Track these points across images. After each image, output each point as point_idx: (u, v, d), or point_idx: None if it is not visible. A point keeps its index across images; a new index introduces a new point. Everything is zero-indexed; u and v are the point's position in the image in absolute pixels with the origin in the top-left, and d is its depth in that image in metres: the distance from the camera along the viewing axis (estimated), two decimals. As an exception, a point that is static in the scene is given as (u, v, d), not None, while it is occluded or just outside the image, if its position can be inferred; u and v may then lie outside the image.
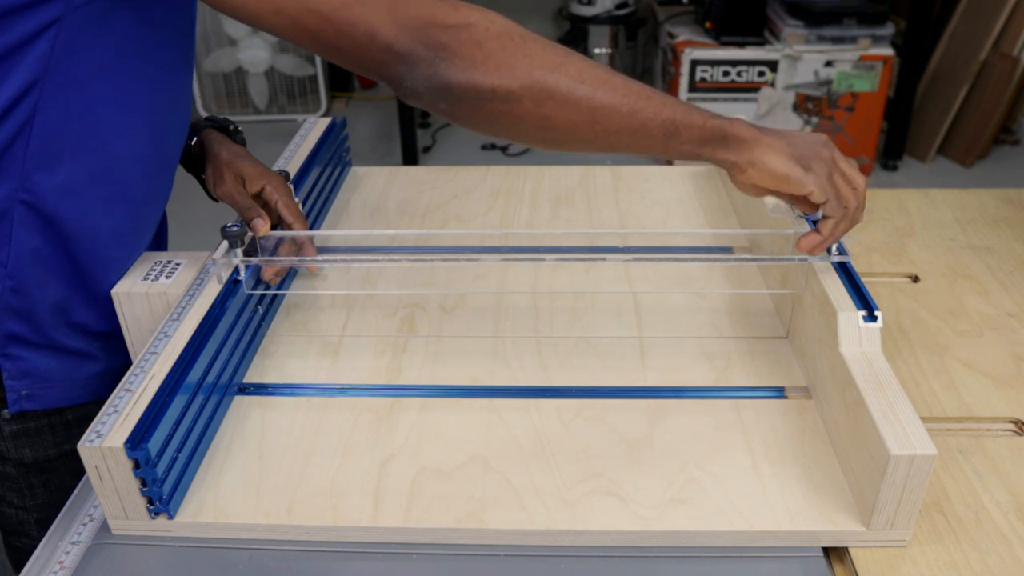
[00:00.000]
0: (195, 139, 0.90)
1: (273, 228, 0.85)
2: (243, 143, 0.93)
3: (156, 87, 0.74)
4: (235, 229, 0.79)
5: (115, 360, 0.83)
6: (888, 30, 2.73)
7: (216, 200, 0.88)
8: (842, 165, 0.72)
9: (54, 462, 0.83)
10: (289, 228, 0.86)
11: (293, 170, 1.00)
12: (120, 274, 0.80)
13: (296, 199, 0.89)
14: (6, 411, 0.79)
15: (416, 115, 3.12)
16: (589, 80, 0.64)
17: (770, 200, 0.91)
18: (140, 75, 0.72)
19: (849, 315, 0.70)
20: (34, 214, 0.72)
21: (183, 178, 0.91)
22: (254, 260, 0.81)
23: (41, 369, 0.79)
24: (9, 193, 0.71)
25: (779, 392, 0.78)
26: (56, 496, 0.85)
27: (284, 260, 0.89)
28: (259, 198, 0.86)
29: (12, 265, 0.73)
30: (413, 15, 0.62)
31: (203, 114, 0.99)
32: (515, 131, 0.66)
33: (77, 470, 0.83)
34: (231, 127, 0.93)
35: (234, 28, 3.29)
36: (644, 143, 0.67)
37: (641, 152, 0.69)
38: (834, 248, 0.80)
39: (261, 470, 0.70)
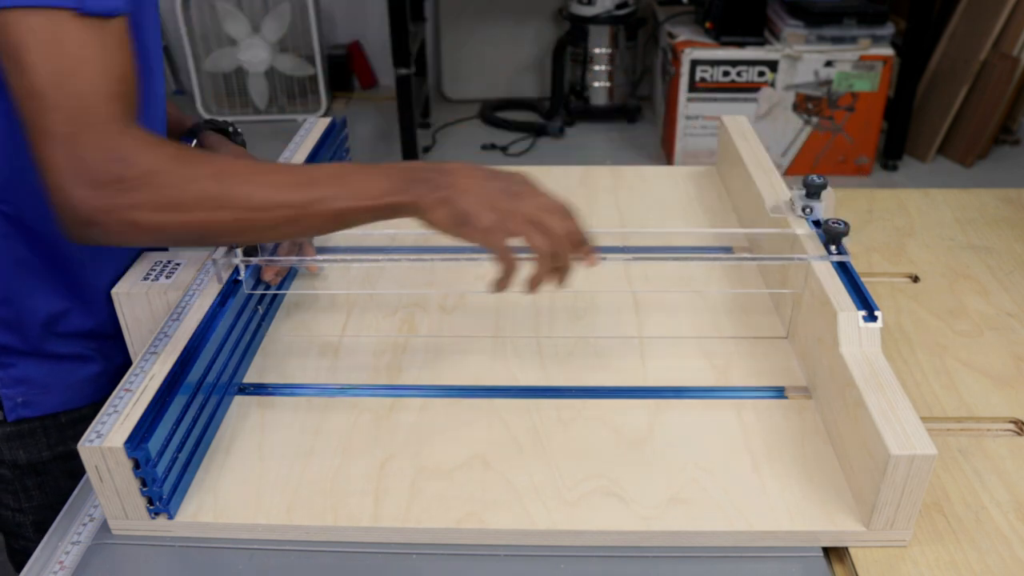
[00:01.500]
0: (194, 142, 0.92)
1: None
2: (243, 144, 0.94)
3: None
4: (235, 229, 0.79)
5: (111, 362, 0.83)
6: (888, 30, 2.73)
7: None
8: (525, 210, 0.70)
9: (48, 464, 0.83)
10: None
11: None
12: (112, 276, 0.80)
13: None
14: (3, 418, 0.79)
15: (416, 115, 3.12)
16: (248, 213, 0.65)
17: (770, 200, 0.91)
18: None
19: (849, 315, 0.70)
20: (14, 224, 0.73)
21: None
22: (254, 260, 0.81)
23: (36, 376, 0.79)
24: None
25: (779, 392, 0.78)
26: (51, 498, 0.85)
27: (284, 260, 0.89)
28: None
29: None
30: (81, 165, 0.60)
31: (204, 115, 0.98)
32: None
33: (72, 472, 0.83)
34: (230, 128, 0.94)
35: (234, 28, 3.29)
36: (315, 235, 0.71)
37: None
38: (834, 247, 0.80)
39: (261, 470, 0.70)
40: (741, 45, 2.75)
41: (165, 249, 0.87)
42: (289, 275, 0.93)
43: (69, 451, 0.82)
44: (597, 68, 3.22)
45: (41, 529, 0.72)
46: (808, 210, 0.86)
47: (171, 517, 0.65)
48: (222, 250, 0.80)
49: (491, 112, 3.38)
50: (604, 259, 0.91)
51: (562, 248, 0.70)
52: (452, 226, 0.68)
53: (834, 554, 0.65)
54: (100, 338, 0.82)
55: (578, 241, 0.71)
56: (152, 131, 0.65)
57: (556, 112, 3.26)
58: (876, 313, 0.70)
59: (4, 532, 0.89)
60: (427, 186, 0.68)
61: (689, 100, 2.82)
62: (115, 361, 0.84)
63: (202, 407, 0.71)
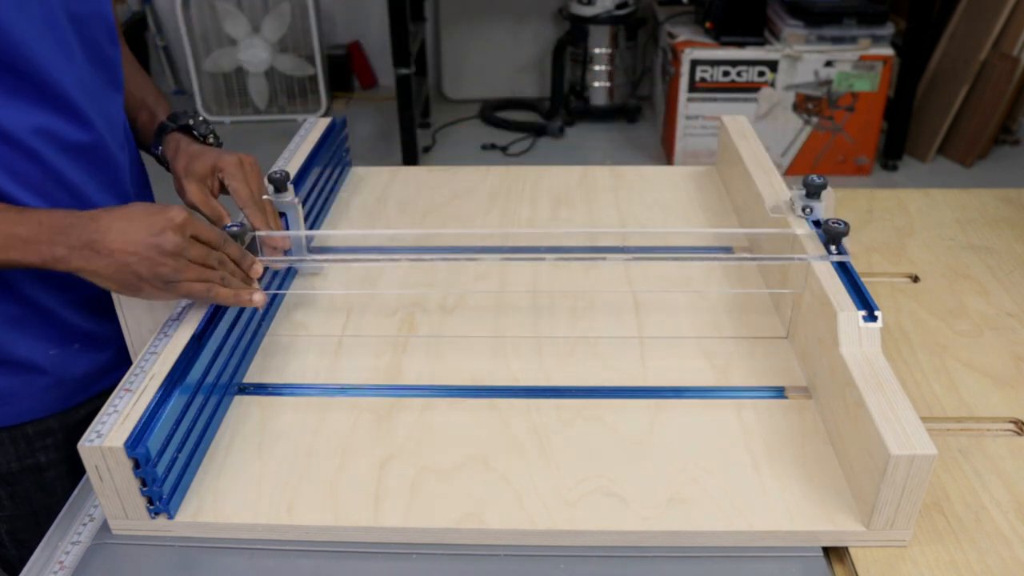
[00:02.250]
0: (160, 148, 0.89)
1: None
2: (207, 134, 0.91)
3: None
4: (235, 229, 0.79)
5: (68, 372, 0.82)
6: (888, 30, 2.73)
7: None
8: (191, 256, 0.70)
9: (17, 475, 0.82)
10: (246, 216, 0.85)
11: (293, 170, 1.00)
12: (73, 290, 0.79)
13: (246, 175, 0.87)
14: None
15: (416, 115, 3.12)
16: None
17: (770, 200, 0.91)
18: None
19: (849, 315, 0.70)
20: None
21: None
22: (255, 259, 0.81)
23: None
24: None
25: (779, 392, 0.78)
26: (23, 508, 0.84)
27: (284, 260, 0.89)
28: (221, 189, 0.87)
29: None
30: None
31: (202, 114, 0.97)
32: None
33: (43, 484, 0.81)
34: (190, 122, 0.90)
35: (234, 28, 3.29)
36: None
37: None
38: (834, 247, 0.80)
39: (261, 470, 0.70)
40: (741, 45, 2.75)
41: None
42: (289, 275, 0.93)
43: (38, 463, 0.82)
44: (597, 68, 3.22)
45: (16, 538, 0.72)
46: (808, 210, 0.86)
47: (171, 517, 0.65)
48: (222, 250, 0.79)
49: (491, 112, 3.38)
50: (604, 259, 0.91)
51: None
52: (122, 291, 0.69)
53: (834, 554, 0.65)
54: (54, 351, 0.80)
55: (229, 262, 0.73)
56: None
57: (556, 112, 3.26)
58: (876, 313, 0.70)
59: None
60: (80, 251, 0.67)
61: (689, 100, 2.82)
62: (72, 371, 0.82)
63: (202, 407, 0.71)
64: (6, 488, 0.83)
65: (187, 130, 0.90)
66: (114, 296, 0.78)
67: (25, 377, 0.79)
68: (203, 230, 0.71)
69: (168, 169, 0.89)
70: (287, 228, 0.89)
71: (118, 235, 0.67)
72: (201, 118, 0.91)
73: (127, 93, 0.88)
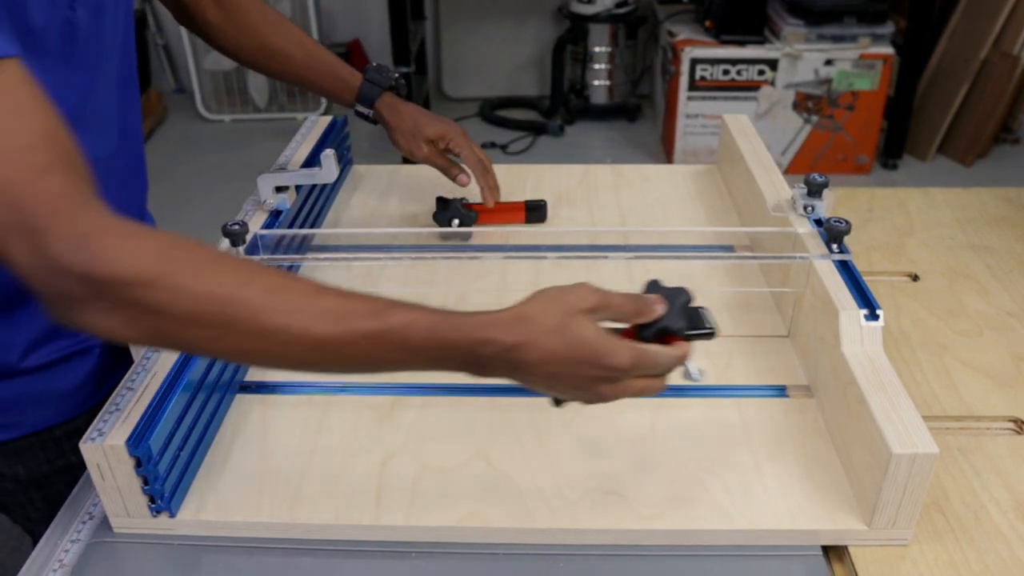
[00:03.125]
0: (372, 113, 0.99)
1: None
2: (401, 90, 1.01)
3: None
4: (236, 228, 0.79)
5: (86, 375, 0.81)
6: (888, 29, 2.73)
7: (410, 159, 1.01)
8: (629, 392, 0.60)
9: (50, 477, 0.82)
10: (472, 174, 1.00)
11: (294, 168, 0.99)
12: None
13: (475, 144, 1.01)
14: None
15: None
16: (260, 348, 0.54)
17: (771, 198, 0.91)
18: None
19: (851, 314, 0.70)
20: None
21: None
22: (255, 259, 0.81)
23: (9, 399, 0.77)
24: None
25: (780, 391, 0.78)
26: (58, 509, 0.84)
27: (284, 258, 0.89)
28: (444, 152, 1.00)
29: None
30: (44, 257, 0.51)
31: (395, 71, 1.02)
32: None
33: (76, 483, 0.82)
34: (393, 82, 0.99)
35: (234, 26, 3.28)
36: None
37: None
38: (835, 246, 0.80)
39: (262, 468, 0.70)
40: (741, 44, 2.75)
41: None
42: (290, 273, 0.93)
43: (70, 463, 0.81)
44: (597, 67, 3.22)
45: None
46: (809, 209, 0.86)
47: (172, 515, 0.65)
48: (223, 248, 0.80)
49: (491, 110, 3.38)
50: (606, 258, 0.91)
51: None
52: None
53: (834, 553, 0.65)
54: (69, 357, 0.79)
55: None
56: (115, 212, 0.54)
57: (556, 111, 3.26)
58: (878, 312, 0.70)
59: (31, 536, 0.88)
60: (509, 371, 0.57)
61: (689, 99, 2.82)
62: (90, 374, 0.81)
63: (203, 405, 0.71)
64: (39, 491, 0.83)
65: (392, 90, 0.99)
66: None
67: (48, 382, 0.78)
68: (650, 364, 0.59)
69: (374, 123, 1.01)
70: None
71: (541, 382, 0.57)
72: (397, 75, 1.00)
73: (288, 53, 0.96)
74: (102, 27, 0.71)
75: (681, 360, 0.60)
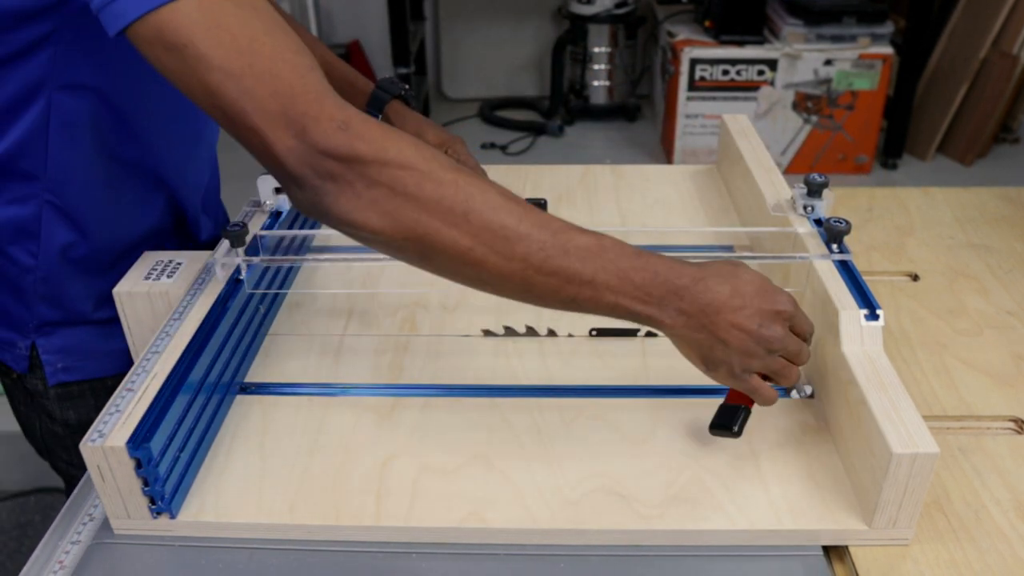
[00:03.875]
0: (379, 116, 0.98)
1: None
2: (410, 100, 1.01)
3: None
4: (235, 229, 0.79)
5: None
6: (888, 29, 2.73)
7: None
8: (788, 351, 0.66)
9: None
10: None
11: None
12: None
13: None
14: (45, 382, 0.84)
15: (416, 114, 3.12)
16: (483, 245, 0.59)
17: (771, 198, 0.91)
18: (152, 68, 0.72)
19: (851, 314, 0.70)
20: (61, 215, 0.76)
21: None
22: (255, 260, 0.81)
23: (74, 345, 0.83)
24: (34, 193, 0.74)
25: (781, 391, 0.78)
26: None
27: (284, 259, 0.89)
28: None
29: (42, 259, 0.77)
30: (308, 138, 0.57)
31: (405, 84, 1.04)
32: (404, 262, 0.63)
33: None
34: (403, 93, 0.99)
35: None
36: (544, 307, 0.63)
37: None
38: (835, 246, 0.80)
39: (263, 469, 0.70)
40: (741, 44, 2.75)
41: (166, 249, 0.87)
42: (289, 275, 0.93)
43: None
44: (597, 67, 3.22)
45: None
46: (809, 209, 0.86)
47: (173, 516, 0.65)
48: (223, 249, 0.80)
49: (491, 111, 3.38)
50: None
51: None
52: (699, 364, 0.65)
53: (834, 553, 0.65)
54: None
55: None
56: (192, 169, 0.62)
57: (556, 111, 3.26)
58: (878, 312, 0.70)
59: (65, 482, 0.95)
60: (686, 318, 0.62)
61: (689, 99, 2.82)
62: None
63: (204, 407, 0.71)
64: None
65: (401, 99, 1.00)
66: (115, 293, 0.78)
67: (107, 335, 0.83)
68: (801, 322, 0.66)
69: None
70: None
71: (728, 314, 0.62)
72: (407, 87, 1.00)
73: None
74: None
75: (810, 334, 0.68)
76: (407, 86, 1.02)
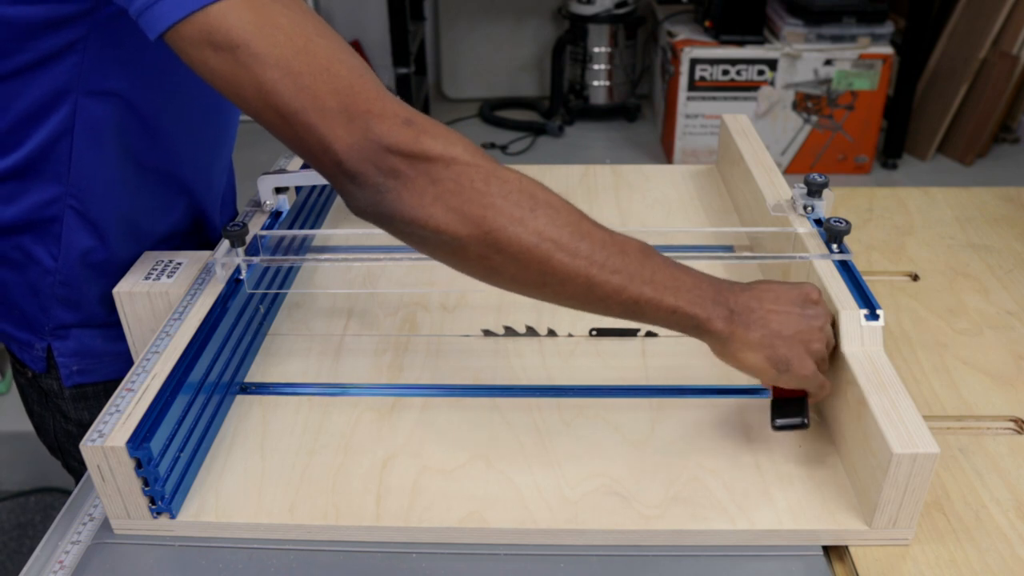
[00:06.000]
0: None
1: None
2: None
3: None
4: (236, 229, 0.79)
5: None
6: (887, 29, 2.73)
7: None
8: (828, 337, 0.67)
9: None
10: None
11: (294, 169, 0.99)
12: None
13: None
14: (60, 383, 0.84)
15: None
16: (549, 241, 0.58)
17: (771, 198, 0.91)
18: (182, 73, 0.72)
19: (851, 314, 0.70)
20: (83, 220, 0.76)
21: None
22: (255, 260, 0.81)
23: (89, 347, 0.83)
24: (57, 197, 0.74)
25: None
26: None
27: (284, 260, 0.89)
28: None
29: (62, 262, 0.78)
30: (371, 135, 0.57)
31: None
32: (460, 268, 0.62)
33: None
34: None
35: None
36: (602, 313, 0.63)
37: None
38: (835, 246, 0.80)
39: (263, 469, 0.70)
40: (740, 44, 2.75)
41: (170, 247, 0.87)
42: (290, 275, 0.93)
43: None
44: (596, 67, 3.22)
45: None
46: (809, 209, 0.86)
47: (173, 516, 0.65)
48: (223, 249, 0.80)
49: (490, 111, 3.38)
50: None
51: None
52: (769, 370, 0.64)
53: (834, 553, 0.65)
54: None
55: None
56: (216, 169, 0.61)
57: (555, 111, 3.26)
58: (878, 312, 0.70)
59: (76, 481, 0.94)
60: (735, 316, 0.63)
61: (688, 99, 2.82)
62: None
63: (204, 407, 0.71)
64: None
65: None
66: (115, 293, 0.78)
67: (119, 337, 0.83)
68: (827, 306, 0.68)
69: None
70: None
71: (769, 303, 0.64)
72: (398, 97, 1.00)
73: None
74: None
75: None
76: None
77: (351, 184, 0.58)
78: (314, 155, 0.59)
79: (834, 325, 0.70)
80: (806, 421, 0.67)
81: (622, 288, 0.60)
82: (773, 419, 0.68)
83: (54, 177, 0.73)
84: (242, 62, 0.56)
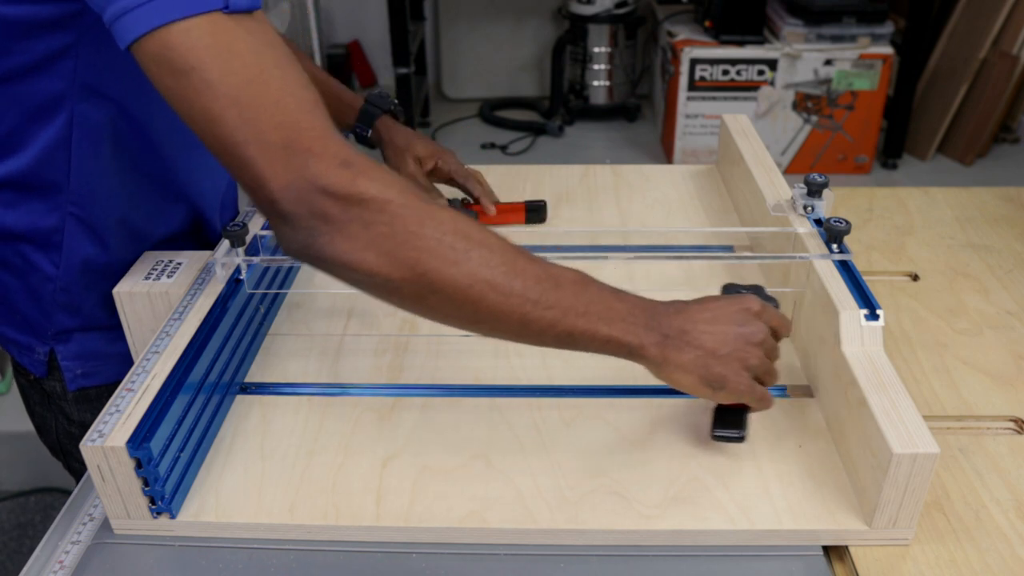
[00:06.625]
0: (369, 131, 1.02)
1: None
2: (399, 115, 1.04)
3: None
4: (236, 229, 0.79)
5: None
6: (887, 29, 2.73)
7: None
8: (769, 350, 0.66)
9: None
10: (466, 190, 1.04)
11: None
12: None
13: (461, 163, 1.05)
14: (64, 387, 0.84)
15: (416, 115, 3.12)
16: (482, 282, 0.59)
17: (771, 198, 0.91)
18: None
19: (851, 314, 0.70)
20: (84, 227, 0.76)
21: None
22: (255, 260, 0.81)
23: (92, 350, 0.83)
24: (58, 205, 0.74)
25: (781, 391, 0.78)
26: None
27: (285, 259, 0.89)
28: (433, 172, 1.03)
29: (63, 269, 0.78)
30: (307, 173, 0.56)
31: (394, 99, 1.07)
32: (396, 305, 0.62)
33: None
34: (392, 108, 1.03)
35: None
36: (537, 344, 0.64)
37: None
38: (835, 246, 0.80)
39: (263, 470, 0.70)
40: (741, 44, 2.75)
41: (169, 249, 0.87)
42: (290, 275, 0.93)
43: None
44: (596, 67, 3.22)
45: None
46: (809, 209, 0.86)
47: (173, 516, 0.65)
48: (223, 249, 0.80)
49: (490, 111, 3.38)
50: (606, 258, 0.91)
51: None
52: (704, 390, 0.65)
53: (834, 553, 0.65)
54: None
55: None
56: (211, 182, 0.61)
57: (555, 111, 3.26)
58: (878, 312, 0.70)
59: (77, 482, 0.94)
60: (667, 339, 0.63)
61: (688, 99, 2.82)
62: None
63: (204, 407, 0.71)
64: None
65: (390, 113, 1.03)
66: (115, 293, 0.78)
67: (120, 338, 0.83)
68: (774, 316, 0.67)
69: (369, 146, 1.03)
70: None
71: (703, 324, 0.64)
72: (396, 102, 1.04)
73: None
74: None
75: (785, 328, 0.68)
76: (396, 101, 1.03)
77: (284, 225, 0.58)
78: (251, 189, 0.58)
79: (775, 336, 0.68)
80: (743, 435, 0.68)
81: (556, 322, 0.61)
82: (712, 428, 0.69)
83: (54, 184, 0.73)
84: (193, 85, 0.56)
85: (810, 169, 2.72)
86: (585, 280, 0.63)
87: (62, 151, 0.72)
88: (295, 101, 0.57)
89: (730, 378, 0.64)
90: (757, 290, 0.73)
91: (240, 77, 0.56)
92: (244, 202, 0.96)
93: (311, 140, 0.57)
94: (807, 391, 0.78)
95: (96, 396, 0.86)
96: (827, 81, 2.76)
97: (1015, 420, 0.76)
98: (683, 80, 2.78)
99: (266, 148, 0.56)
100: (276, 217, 0.58)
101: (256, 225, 0.86)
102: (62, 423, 0.89)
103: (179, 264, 0.81)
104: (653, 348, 0.63)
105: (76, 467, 0.94)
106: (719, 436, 0.69)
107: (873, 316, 0.70)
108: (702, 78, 2.78)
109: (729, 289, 0.74)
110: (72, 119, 0.70)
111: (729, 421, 0.68)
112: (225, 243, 0.80)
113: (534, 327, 0.61)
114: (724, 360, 0.64)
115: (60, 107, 0.69)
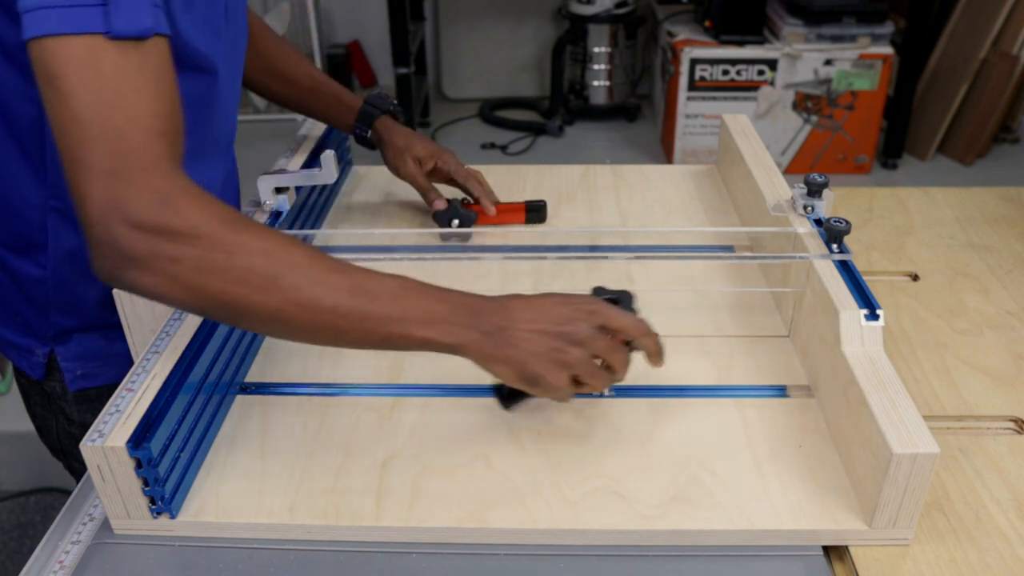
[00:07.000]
0: (369, 131, 1.03)
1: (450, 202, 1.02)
2: (399, 115, 1.06)
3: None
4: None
5: None
6: (887, 29, 2.73)
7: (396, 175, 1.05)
8: (596, 346, 0.66)
9: None
10: (466, 190, 1.04)
11: (294, 169, 0.99)
12: None
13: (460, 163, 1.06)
14: (65, 388, 0.85)
15: (416, 115, 3.12)
16: (292, 304, 0.60)
17: (771, 198, 0.91)
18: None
19: (851, 314, 0.70)
20: (66, 219, 0.76)
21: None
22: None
23: (92, 351, 0.84)
24: (40, 202, 0.75)
25: (781, 391, 0.78)
26: None
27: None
28: (433, 172, 1.04)
29: (51, 267, 0.78)
30: (120, 204, 0.56)
31: (393, 99, 1.07)
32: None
33: None
34: (392, 108, 1.04)
35: (233, 27, 3.28)
36: (359, 349, 0.65)
37: None
38: (835, 246, 0.80)
39: (263, 470, 0.70)
40: (740, 44, 2.75)
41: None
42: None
43: None
44: (596, 67, 3.22)
45: None
46: (809, 209, 0.86)
47: (173, 517, 0.65)
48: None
49: (491, 111, 3.38)
50: (606, 258, 0.91)
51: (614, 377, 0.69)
52: (521, 384, 0.66)
53: (834, 553, 0.65)
54: None
55: (622, 363, 0.68)
56: (196, 180, 0.61)
57: (555, 111, 3.26)
58: (878, 312, 0.70)
59: (78, 483, 0.94)
60: (486, 337, 0.64)
61: (688, 99, 2.82)
62: None
63: (204, 407, 0.71)
64: None
65: (390, 114, 1.04)
66: (115, 293, 0.78)
67: (120, 338, 0.82)
68: (617, 319, 0.67)
69: (369, 147, 1.05)
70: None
71: (524, 324, 0.65)
72: (395, 102, 1.05)
73: (297, 82, 1.03)
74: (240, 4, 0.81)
75: (639, 329, 0.68)
76: (395, 101, 1.04)
77: (95, 250, 0.59)
78: (76, 207, 0.58)
79: (627, 339, 0.68)
80: (510, 407, 0.73)
81: (371, 331, 0.63)
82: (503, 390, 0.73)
83: (37, 181, 0.73)
84: (53, 93, 0.57)
85: (810, 169, 2.72)
86: (405, 286, 0.64)
87: (35, 142, 0.71)
88: (140, 131, 0.58)
89: (546, 376, 0.65)
90: (624, 295, 0.73)
91: (94, 97, 0.57)
92: (245, 197, 0.96)
93: (136, 171, 0.57)
94: (807, 391, 0.78)
95: (96, 396, 0.86)
96: (827, 81, 2.76)
97: (1015, 420, 0.76)
98: (683, 80, 2.79)
99: (91, 172, 0.57)
100: (90, 241, 0.59)
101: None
102: (62, 424, 0.89)
103: (179, 264, 0.81)
104: (473, 346, 0.65)
105: (76, 467, 0.94)
106: (502, 399, 0.73)
107: (873, 316, 0.70)
108: (702, 78, 2.78)
109: (597, 293, 0.73)
110: (42, 109, 0.69)
111: (514, 393, 0.71)
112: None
113: (348, 337, 0.63)
114: (539, 359, 0.65)
115: (30, 98, 0.68)
